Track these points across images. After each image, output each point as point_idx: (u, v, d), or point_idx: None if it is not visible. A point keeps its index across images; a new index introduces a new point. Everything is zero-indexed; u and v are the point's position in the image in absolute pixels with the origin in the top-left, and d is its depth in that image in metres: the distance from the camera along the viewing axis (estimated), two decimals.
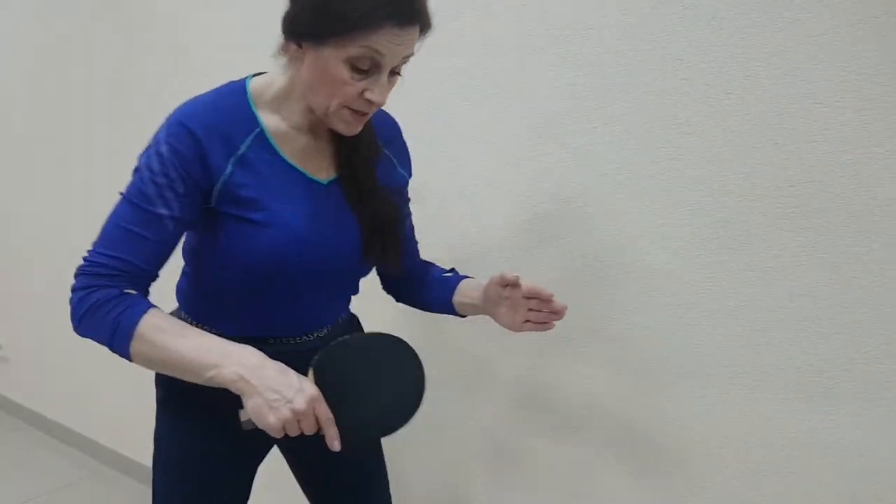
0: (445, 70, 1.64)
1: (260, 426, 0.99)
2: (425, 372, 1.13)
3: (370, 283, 1.33)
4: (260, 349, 1.03)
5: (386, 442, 1.37)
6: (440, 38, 1.59)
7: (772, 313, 1.31)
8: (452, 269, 1.36)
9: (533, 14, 1.49)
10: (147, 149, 1.07)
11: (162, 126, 1.07)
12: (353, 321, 1.41)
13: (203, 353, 1.01)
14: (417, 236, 1.38)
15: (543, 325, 1.19)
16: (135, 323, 1.01)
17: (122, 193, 1.07)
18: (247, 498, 1.32)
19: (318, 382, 1.04)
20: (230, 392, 1.02)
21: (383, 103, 1.06)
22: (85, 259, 1.06)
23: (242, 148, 1.08)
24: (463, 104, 1.63)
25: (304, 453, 1.37)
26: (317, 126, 1.14)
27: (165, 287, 1.17)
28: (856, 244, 1.22)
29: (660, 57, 1.36)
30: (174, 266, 1.19)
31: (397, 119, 1.31)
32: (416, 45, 1.05)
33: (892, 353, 1.22)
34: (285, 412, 0.97)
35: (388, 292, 1.42)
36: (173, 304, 1.27)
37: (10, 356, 3.39)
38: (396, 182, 1.27)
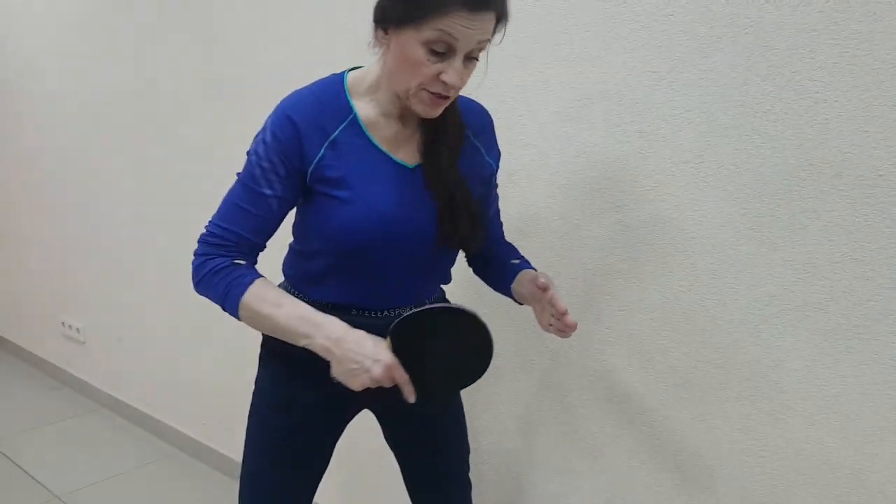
0: (525, 56, 1.66)
1: (346, 385, 1.16)
2: (493, 341, 1.23)
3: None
4: (344, 319, 1.19)
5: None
6: (513, 24, 1.63)
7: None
8: (522, 258, 1.44)
9: None
10: (257, 136, 1.21)
11: (269, 115, 1.20)
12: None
13: (296, 323, 1.19)
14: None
15: (561, 332, 1.27)
16: (241, 293, 1.18)
17: (237, 174, 1.22)
18: (329, 454, 1.43)
19: (395, 348, 1.18)
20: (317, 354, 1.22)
21: (459, 86, 1.13)
22: (206, 228, 1.22)
23: (335, 133, 1.19)
24: (539, 91, 1.65)
25: (392, 414, 1.48)
26: (406, 114, 1.23)
27: (274, 264, 1.31)
28: None
29: (744, 43, 1.35)
30: (283, 244, 1.33)
31: (482, 106, 1.38)
32: (495, 34, 1.13)
33: None
34: (364, 379, 1.14)
35: (469, 264, 1.52)
36: (280, 277, 1.40)
37: (87, 340, 3.50)
38: (482, 170, 1.35)
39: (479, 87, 1.52)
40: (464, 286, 1.67)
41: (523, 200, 1.72)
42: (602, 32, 1.53)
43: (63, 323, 3.63)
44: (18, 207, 3.81)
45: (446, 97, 1.15)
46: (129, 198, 3.05)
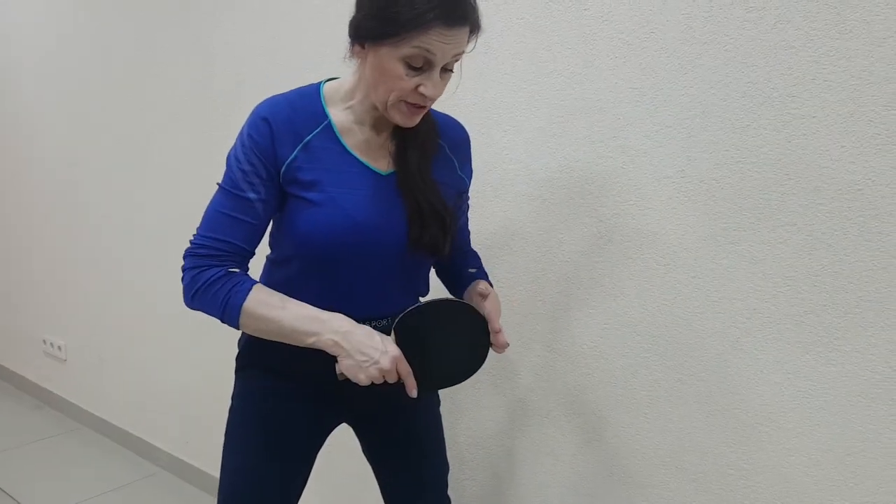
0: (507, 72, 1.68)
1: (352, 380, 1.17)
2: (490, 335, 1.28)
3: None
4: None
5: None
6: (501, 39, 1.65)
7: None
8: (480, 267, 1.49)
9: (596, 17, 1.52)
10: (234, 144, 1.22)
11: (245, 121, 1.21)
12: None
13: (302, 323, 1.19)
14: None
15: (493, 348, 1.31)
16: (241, 300, 1.18)
17: (218, 184, 1.22)
18: (309, 466, 1.42)
19: (399, 341, 1.20)
20: (301, 363, 1.28)
21: (436, 97, 1.16)
22: (191, 242, 1.20)
23: (308, 137, 1.21)
24: (523, 107, 1.66)
25: (370, 427, 1.47)
26: (380, 122, 1.26)
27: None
28: None
29: (723, 60, 1.37)
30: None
31: (459, 119, 1.41)
32: (468, 44, 1.16)
33: None
34: (373, 371, 1.15)
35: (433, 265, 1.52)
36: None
37: (68, 358, 3.47)
38: (455, 183, 1.37)
39: (461, 99, 1.54)
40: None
41: (508, 215, 1.73)
42: (584, 50, 1.55)
43: (45, 341, 3.59)
44: None
45: (423, 107, 1.18)
46: (111, 215, 3.04)
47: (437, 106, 1.34)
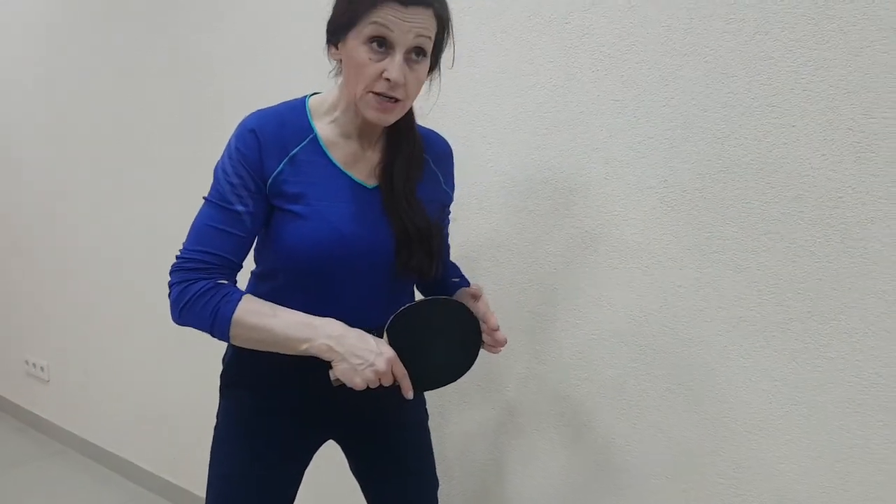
0: (489, 86, 1.69)
1: (348, 385, 1.15)
2: (481, 333, 1.29)
3: None
4: None
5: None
6: (484, 53, 1.66)
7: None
8: (462, 276, 1.48)
9: (577, 30, 1.53)
10: (221, 156, 1.21)
11: (233, 134, 1.21)
12: None
13: (294, 329, 1.17)
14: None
15: (490, 348, 1.31)
16: (232, 311, 1.16)
17: (205, 197, 1.21)
18: (297, 483, 1.41)
19: (392, 343, 1.20)
20: (288, 379, 1.28)
21: (401, 82, 1.14)
22: (178, 256, 1.19)
23: (295, 150, 1.21)
24: (505, 121, 1.67)
25: (358, 444, 1.46)
26: (365, 134, 1.26)
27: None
28: None
29: (704, 71, 1.38)
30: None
31: (437, 131, 1.42)
32: (438, 36, 1.18)
33: None
34: (369, 374, 1.14)
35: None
36: None
37: (51, 378, 3.43)
38: (439, 197, 1.37)
39: (445, 113, 1.55)
40: None
41: (493, 226, 1.73)
42: (566, 63, 1.56)
43: (27, 361, 3.55)
44: None
45: (393, 99, 1.16)
46: (93, 235, 3.01)
47: (421, 120, 1.34)
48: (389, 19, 1.10)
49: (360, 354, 1.14)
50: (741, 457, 1.44)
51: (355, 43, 1.13)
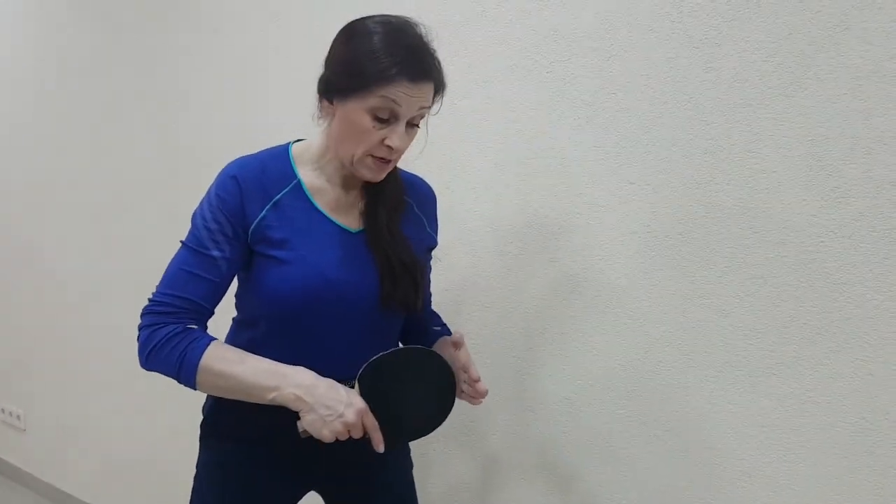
0: (474, 132, 1.70)
1: (316, 437, 1.12)
2: (455, 383, 1.26)
3: None
4: None
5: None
6: (467, 101, 1.68)
7: None
8: (444, 325, 1.48)
9: (559, 79, 1.55)
10: (200, 202, 1.21)
11: (213, 181, 1.21)
12: None
13: (262, 377, 1.15)
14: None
15: (471, 399, 1.29)
16: (199, 357, 1.14)
17: (181, 241, 1.20)
18: None
19: (363, 393, 1.17)
20: (269, 430, 1.23)
21: (402, 149, 1.18)
22: (150, 300, 1.18)
23: (278, 196, 1.21)
24: (489, 167, 1.68)
25: (341, 495, 1.42)
26: (349, 180, 1.27)
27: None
28: None
29: (684, 118, 1.40)
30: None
31: (422, 177, 1.44)
32: (433, 102, 1.20)
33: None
34: (337, 425, 1.11)
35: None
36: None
37: (27, 427, 3.36)
38: (424, 239, 1.38)
39: (430, 159, 1.55)
40: None
41: (477, 271, 1.73)
42: (549, 109, 1.58)
43: (3, 410, 3.48)
44: None
45: (389, 161, 1.19)
46: (71, 281, 2.98)
47: (405, 165, 1.35)
48: (399, 95, 1.12)
49: (329, 405, 1.12)
50: (732, 503, 1.43)
51: (358, 109, 1.14)
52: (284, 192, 1.22)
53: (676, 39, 1.40)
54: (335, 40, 1.20)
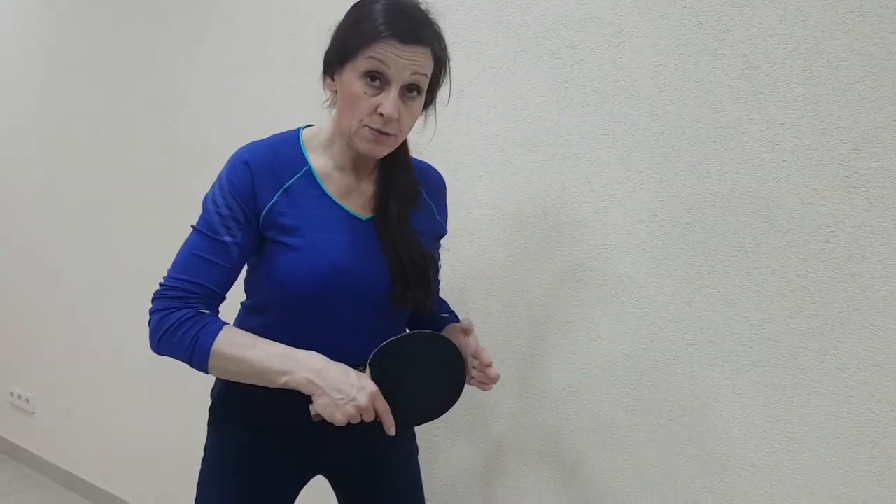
0: (480, 119, 1.69)
1: (328, 420, 1.12)
2: (466, 367, 1.27)
3: None
4: None
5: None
6: (475, 87, 1.67)
7: None
8: (452, 312, 1.48)
9: (568, 65, 1.54)
10: (212, 187, 1.20)
11: (224, 166, 1.21)
12: None
13: (274, 361, 1.15)
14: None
15: (481, 384, 1.30)
16: (211, 341, 1.14)
17: (193, 226, 1.20)
18: None
19: (374, 377, 1.17)
20: (277, 414, 1.25)
21: (395, 118, 1.15)
22: (161, 284, 1.17)
23: (289, 182, 1.21)
24: (496, 155, 1.67)
25: (347, 479, 1.43)
26: (360, 166, 1.26)
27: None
28: None
29: (694, 105, 1.39)
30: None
31: (433, 165, 1.43)
32: (439, 78, 1.20)
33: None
34: (350, 409, 1.11)
35: None
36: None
37: (36, 410, 3.39)
38: (433, 228, 1.37)
39: (436, 145, 1.55)
40: None
41: (483, 259, 1.73)
42: (557, 98, 1.57)
43: (12, 393, 3.50)
44: None
45: (387, 133, 1.16)
46: (78, 267, 3.00)
47: (415, 156, 1.34)
48: (387, 55, 1.11)
49: (341, 389, 1.12)
50: (733, 494, 1.42)
51: (351, 76, 1.14)
52: (295, 178, 1.22)
53: (687, 26, 1.39)
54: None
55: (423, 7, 1.17)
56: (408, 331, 1.43)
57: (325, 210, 1.23)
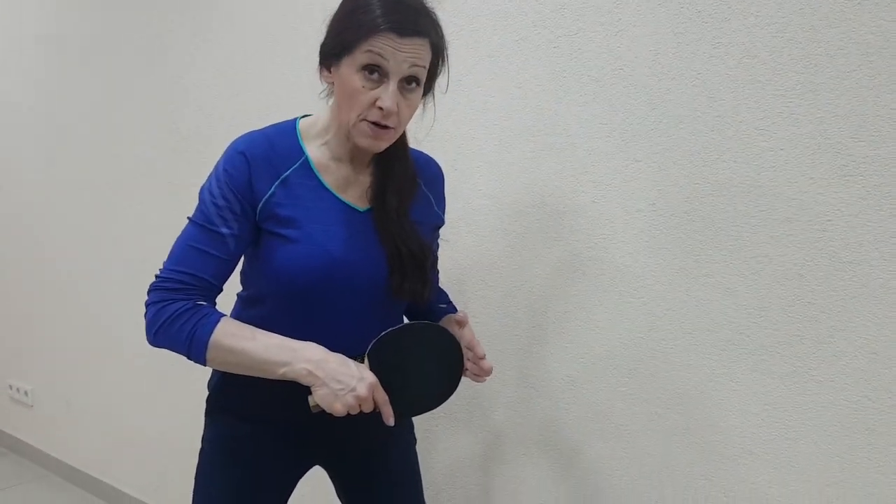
0: (478, 109, 1.69)
1: (327, 411, 1.12)
2: (463, 358, 1.27)
3: None
4: None
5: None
6: (472, 76, 1.67)
7: None
8: (449, 302, 1.47)
9: (566, 54, 1.54)
10: (208, 178, 1.20)
11: (221, 156, 1.20)
12: None
13: (273, 352, 1.14)
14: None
15: (475, 377, 1.31)
16: (209, 333, 1.13)
17: (189, 218, 1.19)
18: None
19: (373, 368, 1.17)
20: (274, 405, 1.25)
21: (394, 111, 1.14)
22: (157, 276, 1.16)
23: (286, 173, 1.20)
24: (493, 144, 1.67)
25: (345, 469, 1.43)
26: (357, 158, 1.25)
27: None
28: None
29: (691, 94, 1.39)
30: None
31: (431, 155, 1.42)
32: (437, 68, 1.19)
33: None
34: (349, 399, 1.11)
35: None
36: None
37: (34, 403, 3.39)
38: (431, 220, 1.37)
39: (433, 135, 1.55)
40: None
41: (481, 249, 1.73)
42: (554, 86, 1.57)
43: (10, 386, 3.51)
44: None
45: (386, 127, 1.16)
46: (77, 260, 2.99)
47: (413, 146, 1.34)
48: (385, 48, 1.10)
49: (340, 379, 1.12)
50: (731, 482, 1.43)
51: (349, 69, 1.13)
52: (292, 169, 1.21)
53: (685, 14, 1.39)
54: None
55: None
56: (406, 321, 1.43)
57: (323, 201, 1.22)
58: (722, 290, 1.40)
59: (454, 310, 1.45)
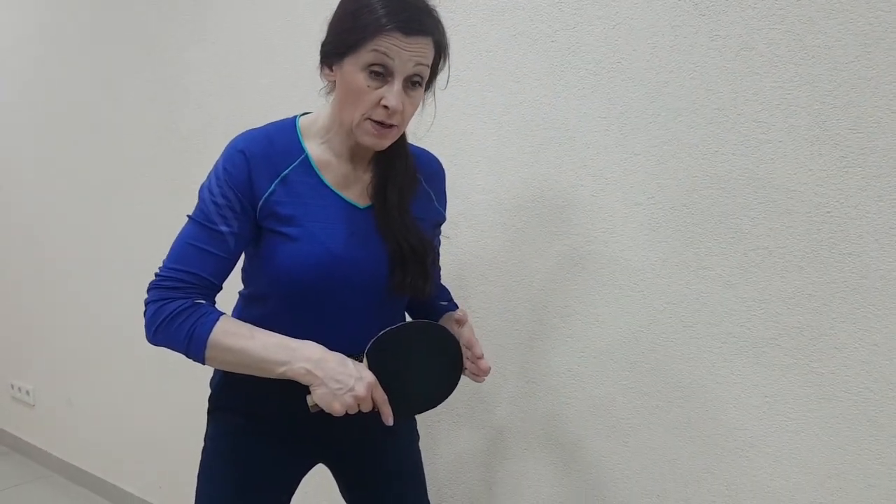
0: (476, 104, 1.68)
1: (326, 410, 1.12)
2: (462, 356, 1.27)
3: None
4: None
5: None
6: (470, 71, 1.67)
7: None
8: (451, 300, 1.47)
9: (563, 48, 1.54)
10: (208, 176, 1.19)
11: (221, 154, 1.19)
12: None
13: (272, 351, 1.14)
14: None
15: (473, 376, 1.30)
16: (208, 331, 1.13)
17: (188, 216, 1.18)
18: None
19: (372, 367, 1.17)
20: (276, 404, 1.25)
21: (399, 110, 1.14)
22: (157, 274, 1.16)
23: (286, 171, 1.19)
24: (492, 139, 1.67)
25: (348, 467, 1.42)
26: (357, 155, 1.25)
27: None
28: None
29: (690, 87, 1.38)
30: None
31: (431, 151, 1.41)
32: (439, 65, 1.19)
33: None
34: (348, 399, 1.11)
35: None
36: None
37: (36, 402, 3.39)
38: (432, 216, 1.36)
39: (432, 131, 1.55)
40: None
41: (481, 244, 1.73)
42: (553, 80, 1.57)
43: (12, 385, 3.51)
44: None
45: (390, 126, 1.16)
46: (77, 259, 2.99)
47: (414, 142, 1.34)
48: (391, 48, 1.10)
49: (339, 379, 1.11)
50: (733, 475, 1.43)
51: (353, 68, 1.12)
52: (292, 166, 1.20)
53: (682, 7, 1.39)
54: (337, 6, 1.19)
55: None
56: (407, 318, 1.43)
57: (323, 199, 1.22)
58: (722, 283, 1.40)
59: (455, 307, 1.45)
